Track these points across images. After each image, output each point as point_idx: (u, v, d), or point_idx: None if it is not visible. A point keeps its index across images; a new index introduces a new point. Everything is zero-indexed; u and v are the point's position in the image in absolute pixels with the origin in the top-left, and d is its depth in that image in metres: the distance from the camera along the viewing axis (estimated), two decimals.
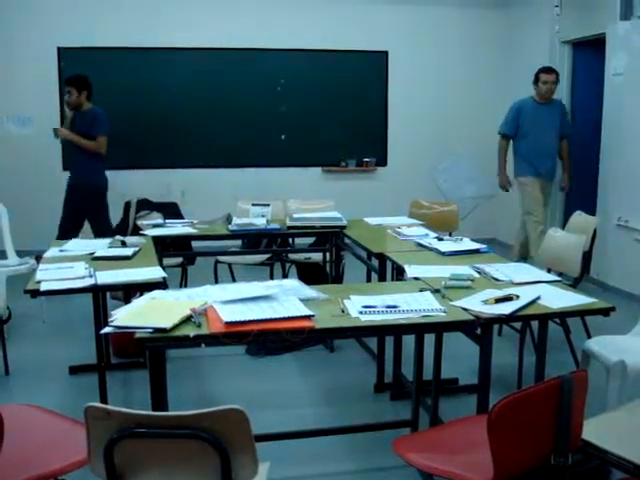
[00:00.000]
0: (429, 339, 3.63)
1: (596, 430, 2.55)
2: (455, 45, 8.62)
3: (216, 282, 5.39)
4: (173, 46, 7.96)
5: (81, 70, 7.69)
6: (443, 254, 4.02)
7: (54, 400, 3.92)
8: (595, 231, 5.04)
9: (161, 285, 3.38)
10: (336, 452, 3.58)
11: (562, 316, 3.90)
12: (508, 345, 4.87)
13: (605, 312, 3.05)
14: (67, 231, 5.90)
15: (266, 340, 2.68)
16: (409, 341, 3.93)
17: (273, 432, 3.44)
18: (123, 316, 2.69)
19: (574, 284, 4.12)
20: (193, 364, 4.69)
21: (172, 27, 7.92)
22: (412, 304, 2.88)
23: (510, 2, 8.50)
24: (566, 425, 2.12)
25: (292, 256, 6.25)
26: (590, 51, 7.37)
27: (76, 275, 3.52)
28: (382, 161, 8.73)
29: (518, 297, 2.99)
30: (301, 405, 4.19)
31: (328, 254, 5.43)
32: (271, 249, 6.18)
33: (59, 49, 7.77)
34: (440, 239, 4.40)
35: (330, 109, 8.52)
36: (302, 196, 6.58)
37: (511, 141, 6.82)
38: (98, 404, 1.88)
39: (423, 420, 3.66)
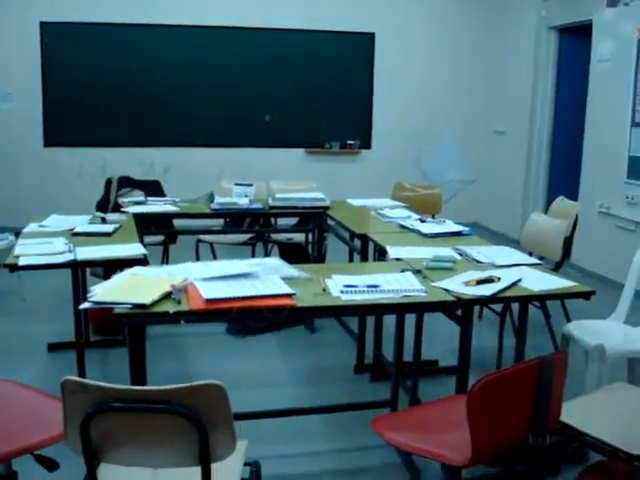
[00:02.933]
0: (409, 321, 3.63)
1: (574, 412, 2.57)
2: (442, 29, 8.60)
3: (197, 261, 5.35)
4: (158, 23, 7.88)
5: (63, 45, 7.66)
6: (425, 236, 4.01)
7: (32, 377, 3.88)
8: (577, 217, 5.06)
9: (142, 262, 3.35)
10: (315, 431, 3.59)
11: (543, 299, 3.91)
12: (488, 328, 4.89)
13: (586, 295, 3.05)
14: None
15: (246, 318, 2.67)
16: (390, 322, 3.93)
17: (252, 411, 3.43)
18: (102, 292, 2.66)
19: (555, 268, 4.13)
20: (173, 343, 4.67)
21: (157, 4, 7.85)
22: (393, 284, 2.88)
23: None
24: (545, 405, 2.13)
25: (274, 236, 6.23)
26: (576, 37, 7.38)
27: (55, 250, 3.49)
28: (366, 144, 8.72)
29: (499, 279, 2.99)
30: (281, 384, 4.19)
31: (310, 235, 5.41)
32: (253, 229, 6.15)
33: (42, 24, 7.67)
34: (422, 221, 4.40)
35: (315, 90, 8.48)
36: (285, 177, 6.56)
37: None
38: (75, 377, 1.85)
39: (403, 401, 3.67)
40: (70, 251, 3.48)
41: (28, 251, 3.48)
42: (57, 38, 7.74)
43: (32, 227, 4.13)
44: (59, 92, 7.83)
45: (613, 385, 3.02)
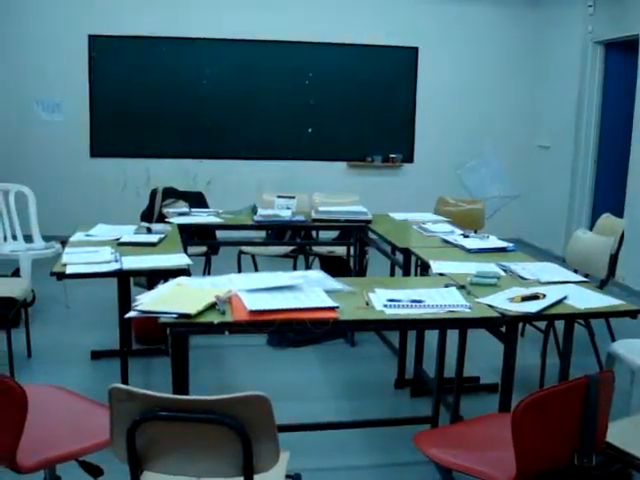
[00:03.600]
0: (451, 336, 3.61)
1: (620, 433, 2.52)
2: (486, 43, 8.56)
3: (239, 272, 5.38)
4: (203, 37, 7.97)
5: (111, 58, 7.80)
6: (469, 251, 3.99)
7: (75, 383, 3.90)
8: (623, 233, 4.98)
9: (186, 272, 3.39)
10: (354, 446, 3.57)
11: (589, 317, 3.85)
12: (530, 346, 4.83)
13: (632, 314, 3.00)
14: None
15: (290, 330, 2.68)
16: (430, 338, 3.91)
17: (293, 423, 3.44)
18: (148, 301, 2.70)
19: (600, 286, 4.07)
20: (214, 354, 4.70)
21: (202, 18, 7.93)
22: (437, 299, 2.86)
23: (542, 1, 8.41)
24: (592, 425, 2.09)
25: (316, 249, 6.24)
26: (623, 52, 7.29)
27: (102, 259, 3.54)
28: (408, 158, 8.69)
29: (545, 296, 2.96)
30: (321, 398, 4.18)
31: (352, 248, 5.41)
32: (295, 241, 6.17)
33: (90, 37, 7.81)
34: (466, 236, 4.37)
35: (358, 104, 8.49)
36: (328, 190, 6.57)
37: None
38: (122, 385, 1.88)
39: (443, 417, 3.64)
40: (116, 260, 3.53)
41: (75, 259, 3.53)
42: (105, 51, 7.88)
43: (79, 236, 4.20)
44: (106, 104, 7.96)
45: None
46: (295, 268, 5.77)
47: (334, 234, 6.41)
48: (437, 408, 3.60)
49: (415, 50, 8.49)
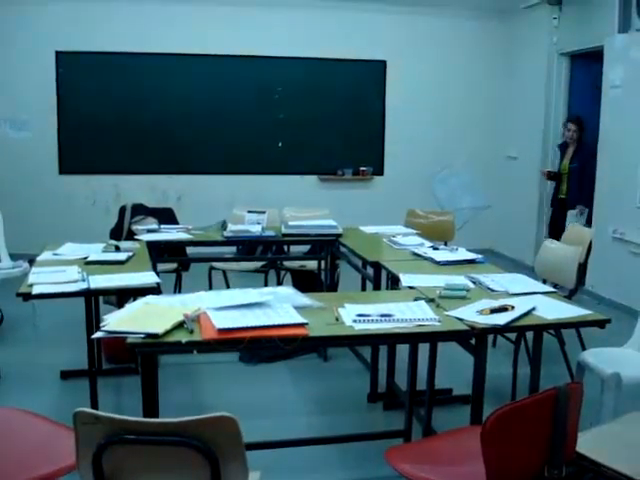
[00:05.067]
0: (423, 349, 3.61)
1: (590, 443, 2.54)
2: (454, 55, 8.63)
3: (210, 288, 5.35)
4: (170, 52, 7.95)
5: (78, 74, 7.75)
6: (438, 263, 4.00)
7: (45, 405, 3.88)
8: (591, 243, 5.03)
9: (155, 290, 3.36)
10: (328, 462, 3.56)
11: (557, 327, 3.88)
12: (502, 356, 4.85)
13: (601, 324, 3.03)
14: None
15: (259, 347, 2.66)
16: (403, 351, 3.91)
17: (265, 440, 3.41)
18: (115, 321, 2.67)
19: (569, 295, 4.10)
20: (186, 371, 4.66)
21: (170, 33, 7.91)
22: (406, 313, 2.86)
23: (509, 14, 8.51)
24: (561, 437, 2.10)
25: (287, 264, 6.22)
26: (588, 63, 7.39)
27: (68, 279, 3.49)
28: (379, 170, 8.73)
29: (513, 308, 2.98)
30: (294, 414, 4.16)
31: (323, 262, 5.41)
32: (266, 256, 6.15)
33: (57, 53, 7.75)
34: (435, 248, 4.39)
35: (327, 117, 8.51)
36: (298, 204, 6.57)
37: None
38: (87, 409, 1.85)
39: (416, 430, 3.64)
40: (83, 280, 3.49)
41: (42, 279, 3.49)
42: (72, 67, 7.83)
43: (46, 255, 4.15)
44: (74, 120, 7.90)
45: (629, 414, 2.98)
46: (266, 283, 5.75)
47: (306, 248, 6.40)
48: (410, 422, 3.60)
49: (383, 63, 8.54)
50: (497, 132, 8.78)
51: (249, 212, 5.54)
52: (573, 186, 6.95)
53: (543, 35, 7.80)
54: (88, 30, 7.72)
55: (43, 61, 7.71)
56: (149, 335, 2.50)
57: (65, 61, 7.79)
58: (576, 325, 3.60)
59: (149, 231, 5.01)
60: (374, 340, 3.24)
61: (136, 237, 4.79)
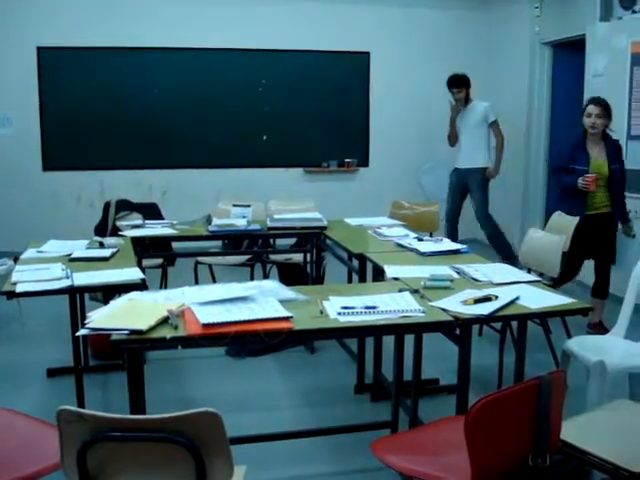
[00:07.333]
0: (409, 340, 3.62)
1: (575, 431, 2.56)
2: (437, 46, 8.62)
3: (196, 283, 5.34)
4: (154, 46, 7.90)
5: (61, 69, 7.70)
6: (423, 254, 4.01)
7: (31, 403, 3.88)
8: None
9: (140, 286, 3.35)
10: (316, 454, 3.56)
11: (541, 316, 3.90)
12: (488, 345, 4.88)
13: (584, 312, 3.06)
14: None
15: (244, 342, 2.65)
16: (389, 342, 3.92)
17: (252, 434, 3.42)
18: (99, 318, 2.66)
19: (554, 284, 4.12)
20: (173, 365, 4.65)
21: (153, 27, 7.86)
22: (391, 305, 2.87)
23: (491, 3, 8.52)
24: (545, 426, 2.11)
25: (273, 257, 6.22)
26: (570, 52, 7.40)
27: (52, 276, 3.48)
28: (364, 162, 8.73)
29: (497, 297, 2.99)
30: (281, 406, 4.17)
31: (309, 255, 5.41)
32: (251, 250, 6.15)
33: (39, 48, 7.69)
34: (420, 239, 4.39)
35: (312, 110, 8.50)
36: (283, 197, 6.57)
37: None
38: (71, 407, 1.84)
39: (403, 421, 3.65)
40: (67, 277, 3.47)
41: (25, 277, 3.47)
42: (54, 62, 7.76)
43: (30, 253, 4.13)
44: (57, 116, 7.85)
45: (614, 402, 3.00)
46: (252, 277, 5.74)
47: (292, 241, 6.40)
48: (396, 412, 3.61)
49: (367, 55, 8.53)
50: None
51: (234, 206, 5.53)
52: (618, 195, 5.40)
53: (525, 24, 7.81)
54: (69, 25, 7.66)
55: (24, 56, 7.64)
56: (133, 331, 2.49)
57: (47, 56, 7.72)
58: (560, 314, 3.63)
59: (134, 227, 4.99)
60: (359, 332, 3.24)
61: (121, 233, 4.78)
